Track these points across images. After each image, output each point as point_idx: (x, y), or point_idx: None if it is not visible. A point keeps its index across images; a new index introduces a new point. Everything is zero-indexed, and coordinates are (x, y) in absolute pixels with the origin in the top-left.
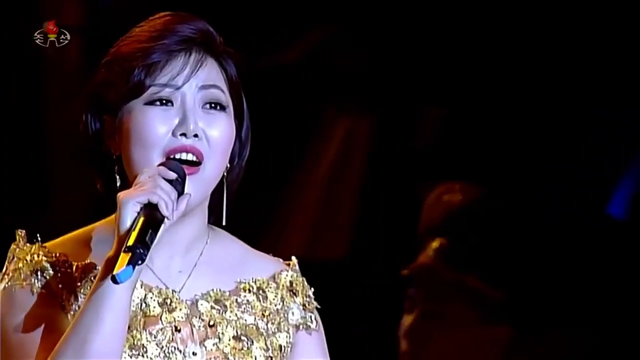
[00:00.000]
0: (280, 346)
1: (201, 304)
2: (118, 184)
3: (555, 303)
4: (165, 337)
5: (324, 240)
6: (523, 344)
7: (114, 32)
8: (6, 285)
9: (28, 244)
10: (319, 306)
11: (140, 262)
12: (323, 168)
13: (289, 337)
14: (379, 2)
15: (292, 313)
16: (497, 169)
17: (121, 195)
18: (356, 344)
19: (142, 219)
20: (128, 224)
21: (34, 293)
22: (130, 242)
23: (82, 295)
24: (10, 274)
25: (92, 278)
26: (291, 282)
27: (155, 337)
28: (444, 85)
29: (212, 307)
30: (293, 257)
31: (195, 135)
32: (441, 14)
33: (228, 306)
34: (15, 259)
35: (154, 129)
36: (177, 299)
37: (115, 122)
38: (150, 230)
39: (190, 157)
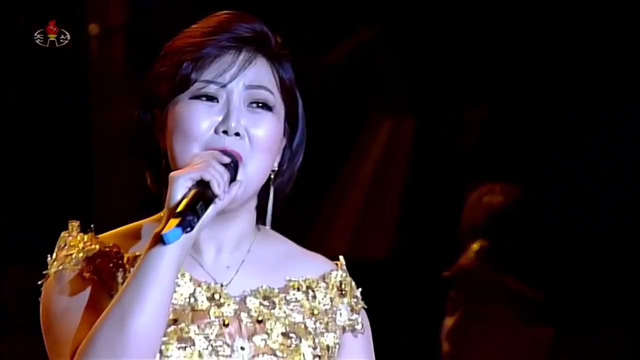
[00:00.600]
0: (328, 346)
1: (250, 300)
2: (165, 180)
3: (595, 304)
4: (214, 331)
5: (367, 240)
6: (563, 344)
7: (158, 31)
8: (56, 269)
9: (81, 234)
10: (366, 307)
11: (189, 228)
12: (366, 168)
13: (336, 337)
14: (423, 2)
15: (340, 314)
16: (539, 169)
17: (172, 173)
18: (398, 345)
19: (193, 190)
20: (178, 197)
21: (85, 278)
22: (180, 208)
23: None
24: (62, 259)
25: None
26: (340, 283)
27: (203, 331)
28: (486, 85)
29: (260, 304)
30: (341, 257)
31: (237, 134)
32: (483, 16)
33: (277, 303)
34: (67, 246)
35: (197, 123)
36: (225, 294)
37: (163, 116)
38: (200, 202)
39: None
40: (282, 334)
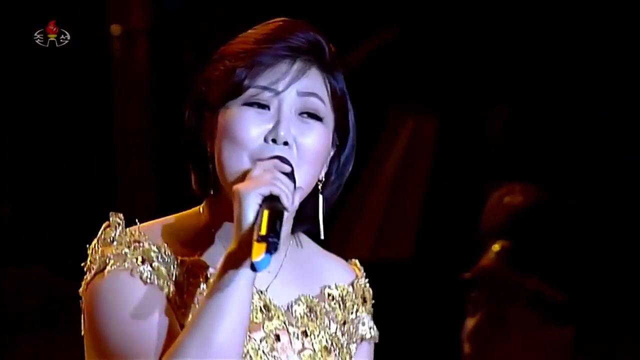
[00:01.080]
0: (352, 357)
1: (295, 310)
2: (210, 182)
3: (617, 304)
4: (268, 345)
5: (389, 241)
6: (585, 345)
7: (180, 34)
8: (110, 269)
9: (127, 229)
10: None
11: (274, 250)
12: (388, 169)
13: (356, 347)
14: (445, 2)
15: (363, 323)
16: (560, 170)
17: (240, 187)
18: (419, 345)
19: (266, 210)
20: (251, 216)
21: (146, 283)
22: (263, 231)
23: (193, 295)
24: (113, 259)
25: (202, 277)
26: (363, 290)
27: (259, 345)
28: (508, 85)
29: (305, 314)
30: (356, 261)
31: (286, 143)
32: (506, 17)
33: (318, 313)
34: (116, 243)
35: (247, 130)
36: (274, 305)
37: (214, 120)
38: (278, 220)
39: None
40: (325, 347)
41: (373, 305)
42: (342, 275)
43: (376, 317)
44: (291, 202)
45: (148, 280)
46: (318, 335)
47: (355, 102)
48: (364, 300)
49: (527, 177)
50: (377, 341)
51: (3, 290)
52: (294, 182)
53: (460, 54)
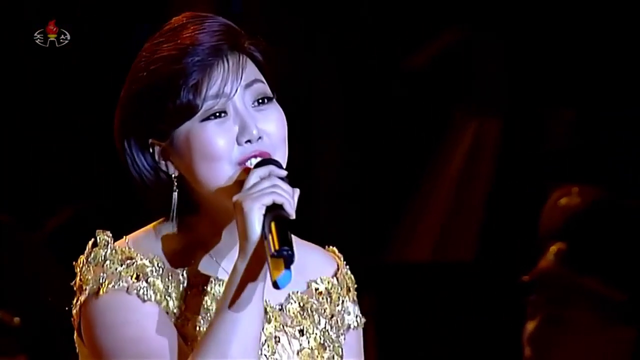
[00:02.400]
0: (342, 349)
1: (289, 309)
2: (174, 204)
3: None
4: (270, 348)
5: (452, 243)
6: None
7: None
8: (107, 290)
9: (117, 247)
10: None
11: (291, 263)
12: (451, 171)
13: (344, 338)
14: (510, 4)
15: (348, 313)
16: (622, 170)
17: (242, 199)
18: (480, 348)
19: (273, 222)
20: (258, 229)
21: (144, 300)
22: (276, 246)
23: (191, 306)
24: (107, 279)
25: (200, 288)
26: (345, 279)
27: (261, 350)
28: (572, 87)
29: (298, 313)
30: (334, 249)
31: (260, 138)
32: (571, 18)
33: (309, 310)
34: (108, 262)
35: (218, 143)
36: (270, 307)
37: (168, 146)
38: (287, 230)
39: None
40: (320, 345)
41: (362, 284)
42: (325, 267)
43: (438, 319)
44: (294, 208)
45: (145, 297)
46: (312, 333)
47: (418, 104)
48: (348, 290)
49: (591, 178)
50: (362, 327)
51: None
52: (290, 185)
53: (525, 55)
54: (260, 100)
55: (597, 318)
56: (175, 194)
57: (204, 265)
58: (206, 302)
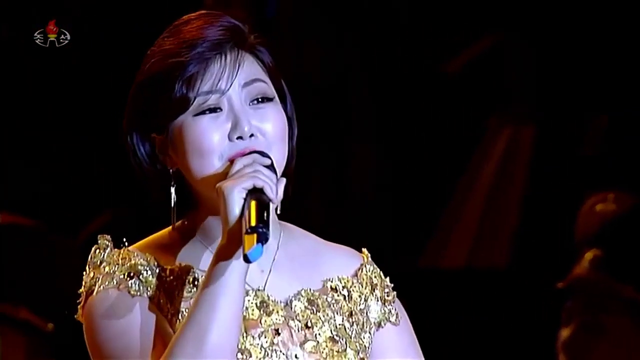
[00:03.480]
0: (365, 347)
1: (295, 305)
2: (173, 199)
3: None
4: (267, 340)
5: (486, 249)
6: None
7: (280, 41)
8: (99, 289)
9: (116, 249)
10: (396, 298)
11: (265, 240)
12: (485, 177)
13: (371, 336)
14: (545, 9)
15: (375, 310)
16: None
17: (223, 184)
18: (514, 355)
19: (252, 202)
20: (237, 210)
21: (133, 296)
22: (252, 222)
23: (184, 300)
24: (102, 279)
25: (190, 280)
26: (370, 278)
27: (258, 341)
28: (607, 93)
29: (306, 308)
30: (364, 250)
31: (252, 135)
32: (604, 24)
33: (320, 305)
34: (105, 264)
35: (209, 138)
36: (272, 301)
37: (166, 139)
38: (265, 211)
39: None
40: (330, 338)
41: (394, 288)
42: (344, 265)
43: (472, 326)
44: (275, 193)
45: (137, 293)
46: (322, 327)
47: (453, 110)
48: (373, 289)
49: (626, 184)
50: (400, 325)
51: None
52: (275, 173)
53: (559, 61)
54: (259, 99)
55: (633, 325)
56: (173, 189)
57: (198, 259)
58: (193, 294)
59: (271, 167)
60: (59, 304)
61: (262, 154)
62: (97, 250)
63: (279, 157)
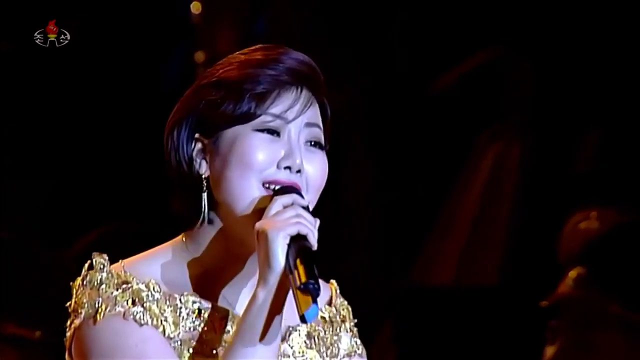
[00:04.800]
0: None
1: (292, 339)
2: (205, 205)
3: None
4: None
5: (474, 267)
6: None
7: None
8: (102, 316)
9: (112, 271)
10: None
11: (317, 297)
12: (474, 194)
13: None
14: (537, 27)
15: (342, 342)
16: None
17: (266, 227)
18: None
19: (300, 253)
20: (282, 258)
21: (141, 325)
22: (304, 278)
23: (186, 331)
24: (103, 303)
25: (195, 311)
26: (340, 310)
27: None
28: (599, 109)
29: (304, 342)
30: (333, 281)
31: (299, 171)
32: (597, 41)
33: (315, 338)
34: (104, 286)
35: (260, 156)
36: None
37: (211, 143)
38: (314, 264)
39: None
40: None
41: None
42: (324, 295)
43: (460, 343)
44: (316, 239)
45: (142, 321)
46: None
47: (441, 128)
48: (343, 319)
49: (616, 202)
50: (363, 357)
51: None
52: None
53: (551, 78)
54: (313, 143)
55: (618, 342)
56: (204, 195)
57: (203, 291)
58: (202, 327)
59: (307, 209)
60: (44, 311)
61: (299, 193)
62: (92, 270)
63: (312, 205)
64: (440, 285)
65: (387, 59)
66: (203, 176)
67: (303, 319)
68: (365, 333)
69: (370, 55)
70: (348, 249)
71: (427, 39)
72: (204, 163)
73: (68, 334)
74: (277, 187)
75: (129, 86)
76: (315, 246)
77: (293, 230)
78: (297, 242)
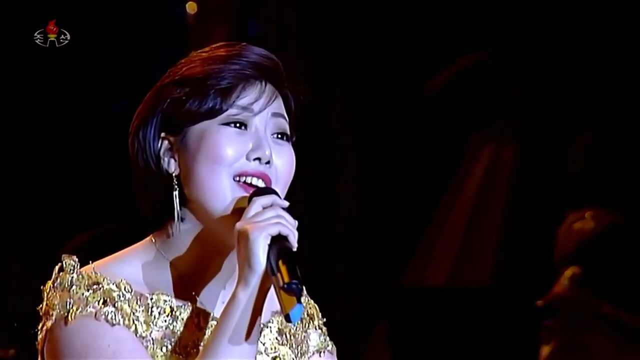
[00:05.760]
0: None
1: (264, 335)
2: (177, 203)
3: None
4: None
5: (468, 268)
6: None
7: None
8: (74, 317)
9: (83, 272)
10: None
11: (301, 297)
12: (467, 196)
13: None
14: (529, 28)
15: (311, 339)
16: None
17: (246, 227)
18: None
19: (282, 254)
20: (263, 259)
21: (113, 325)
22: (287, 279)
23: (158, 329)
24: (74, 304)
25: (166, 311)
26: (309, 307)
27: None
28: (590, 111)
29: (276, 339)
30: None
31: (268, 162)
32: (589, 42)
33: (286, 334)
34: (75, 287)
35: (229, 149)
36: None
37: (179, 141)
38: (296, 265)
39: (260, 183)
40: None
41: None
42: None
43: (454, 344)
44: (297, 240)
45: (114, 321)
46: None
47: (434, 129)
48: (312, 318)
49: (610, 203)
50: (333, 354)
51: None
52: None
53: (542, 80)
54: (279, 135)
55: (613, 343)
56: (175, 193)
57: (175, 289)
58: (174, 326)
59: (288, 209)
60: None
61: (277, 194)
62: (62, 272)
63: (282, 194)
64: (435, 286)
65: (379, 60)
66: (173, 174)
67: (288, 319)
68: (360, 334)
69: (362, 59)
70: (342, 251)
71: (418, 41)
72: (172, 161)
73: (40, 336)
74: (253, 188)
75: (121, 86)
76: (295, 247)
77: (274, 231)
78: (278, 242)
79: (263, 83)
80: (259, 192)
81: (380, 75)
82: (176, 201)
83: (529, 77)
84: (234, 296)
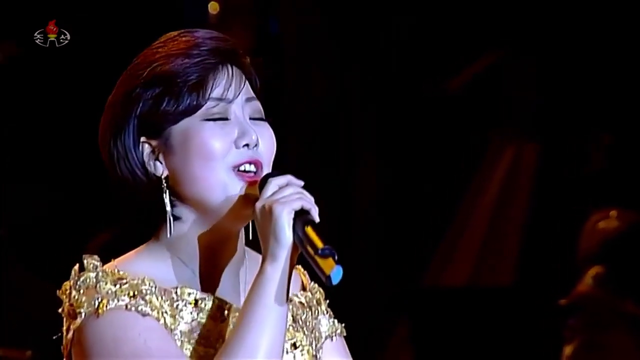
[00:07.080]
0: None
1: None
2: (168, 206)
3: None
4: None
5: (489, 267)
6: None
7: (284, 57)
8: (103, 310)
9: (106, 269)
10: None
11: (337, 258)
12: (489, 195)
13: (322, 349)
14: (547, 29)
15: (322, 324)
16: None
17: (269, 204)
18: None
19: (309, 224)
20: (289, 232)
21: (144, 315)
22: (320, 245)
23: (186, 322)
24: (103, 299)
25: (192, 302)
26: (316, 292)
27: None
28: (610, 111)
29: (290, 326)
30: (299, 266)
31: (256, 146)
32: (608, 42)
33: (300, 321)
34: (102, 282)
35: (217, 143)
36: None
37: (162, 144)
38: (323, 233)
39: (252, 168)
40: (313, 356)
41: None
42: (296, 282)
43: (476, 344)
44: (317, 214)
45: (145, 312)
46: (306, 346)
47: (456, 129)
48: (319, 302)
49: (630, 202)
50: (344, 334)
51: None
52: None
53: (562, 79)
54: (256, 117)
55: (637, 341)
56: (166, 195)
57: (186, 280)
58: (201, 318)
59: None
60: (31, 329)
61: (275, 174)
62: (84, 271)
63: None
64: (455, 285)
65: (399, 61)
66: (162, 177)
67: (329, 281)
68: (379, 333)
69: (381, 58)
70: (363, 251)
71: (436, 41)
72: (158, 164)
73: (66, 338)
74: (248, 174)
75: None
76: (317, 220)
77: (297, 205)
78: (302, 216)
79: (228, 68)
80: (269, 175)
81: (402, 75)
82: (167, 202)
83: (546, 77)
84: (262, 272)
